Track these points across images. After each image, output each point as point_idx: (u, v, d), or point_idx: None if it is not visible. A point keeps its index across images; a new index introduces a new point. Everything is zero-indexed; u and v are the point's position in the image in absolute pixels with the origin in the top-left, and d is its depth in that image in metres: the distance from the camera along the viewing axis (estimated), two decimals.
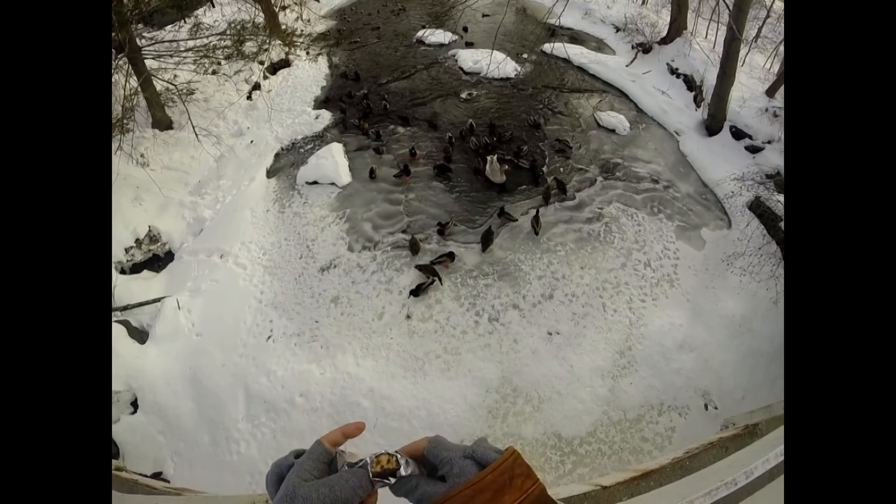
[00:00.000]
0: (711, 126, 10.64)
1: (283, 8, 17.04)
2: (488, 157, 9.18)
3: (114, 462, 5.97)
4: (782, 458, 2.97)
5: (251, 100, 12.34)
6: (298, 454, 0.75)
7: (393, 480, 0.71)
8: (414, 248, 7.74)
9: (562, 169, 9.56)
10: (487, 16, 15.71)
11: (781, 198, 8.07)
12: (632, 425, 6.04)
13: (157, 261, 8.80)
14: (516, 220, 8.26)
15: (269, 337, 7.08)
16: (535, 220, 8.04)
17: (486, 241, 7.75)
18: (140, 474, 4.36)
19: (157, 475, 5.98)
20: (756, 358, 6.61)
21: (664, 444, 5.84)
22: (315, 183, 9.43)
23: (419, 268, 7.43)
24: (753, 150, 9.86)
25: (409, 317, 7.03)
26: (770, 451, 3.10)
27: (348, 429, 0.78)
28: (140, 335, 7.33)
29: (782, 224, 7.79)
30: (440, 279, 7.27)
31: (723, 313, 7.12)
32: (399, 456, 0.73)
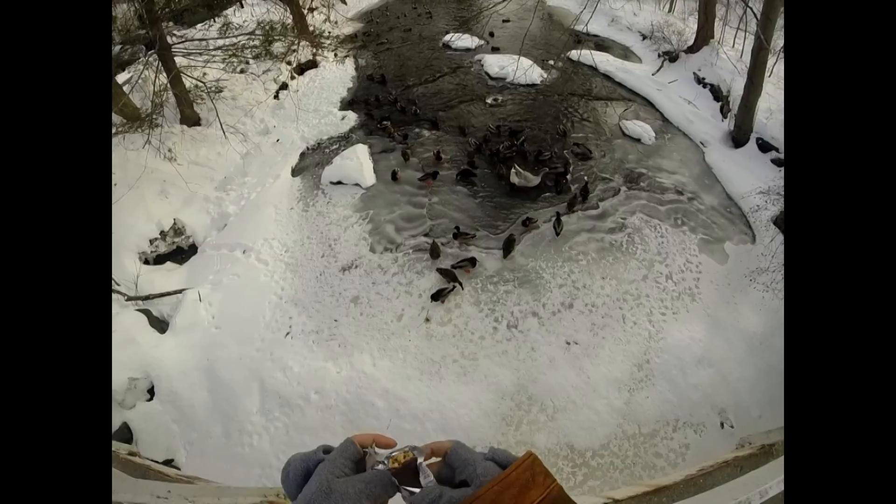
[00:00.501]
0: (738, 137, 10.47)
1: (312, 10, 17.31)
2: (512, 170, 9.15)
3: (127, 447, 6.12)
4: None
5: (278, 99, 12.54)
6: (327, 450, 0.77)
7: (416, 491, 0.71)
8: (434, 252, 7.75)
9: (586, 178, 9.47)
10: (508, 21, 15.68)
11: None
12: (646, 440, 5.94)
13: (181, 253, 8.97)
14: (535, 221, 8.27)
15: (288, 333, 7.15)
16: (557, 221, 8.06)
17: (508, 247, 7.75)
18: (152, 460, 4.45)
19: (168, 462, 6.04)
20: (775, 375, 6.45)
21: (678, 461, 5.73)
22: (339, 183, 9.53)
23: (440, 271, 7.45)
24: (780, 163, 9.65)
25: (427, 320, 7.04)
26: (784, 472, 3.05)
27: (380, 438, 0.81)
28: (160, 325, 7.49)
29: None
30: (461, 284, 7.28)
31: (743, 329, 6.98)
32: (412, 448, 0.75)
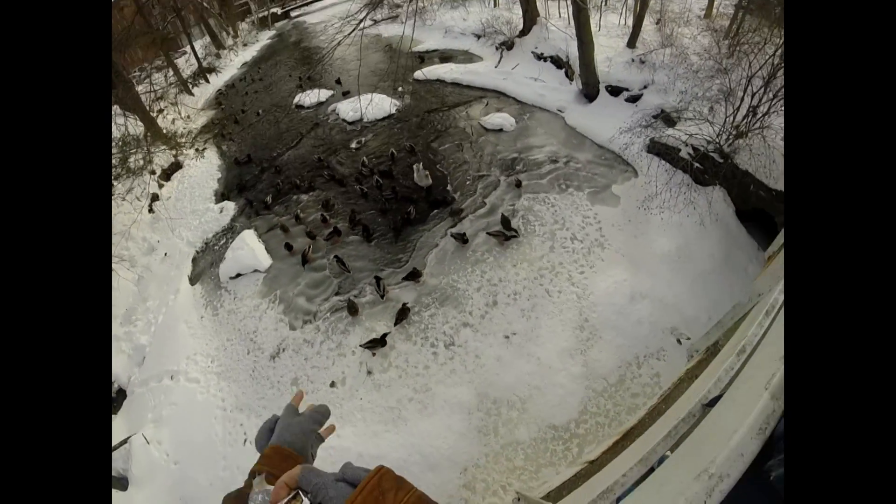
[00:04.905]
0: (588, 93, 11.30)
1: (160, 111, 16.85)
2: (414, 166, 9.70)
3: None
4: (732, 371, 3.08)
5: (153, 212, 12.00)
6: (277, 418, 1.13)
7: None
8: (352, 309, 7.64)
9: (468, 182, 9.83)
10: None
11: (672, 132, 8.59)
12: (618, 388, 6.11)
13: (111, 402, 8.27)
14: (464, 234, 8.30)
15: (245, 440, 6.80)
16: (460, 235, 8.21)
17: (401, 315, 7.41)
18: None
19: None
20: (704, 277, 6.93)
21: (655, 392, 5.89)
22: (238, 275, 9.27)
23: (364, 347, 7.13)
24: (633, 99, 10.53)
25: (370, 372, 6.92)
26: (720, 368, 3.18)
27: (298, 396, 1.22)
28: (120, 483, 6.91)
29: (681, 153, 8.30)
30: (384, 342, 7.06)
31: (658, 253, 7.41)
32: (301, 496, 0.78)
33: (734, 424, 1.39)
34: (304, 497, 0.77)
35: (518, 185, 9.16)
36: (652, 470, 2.51)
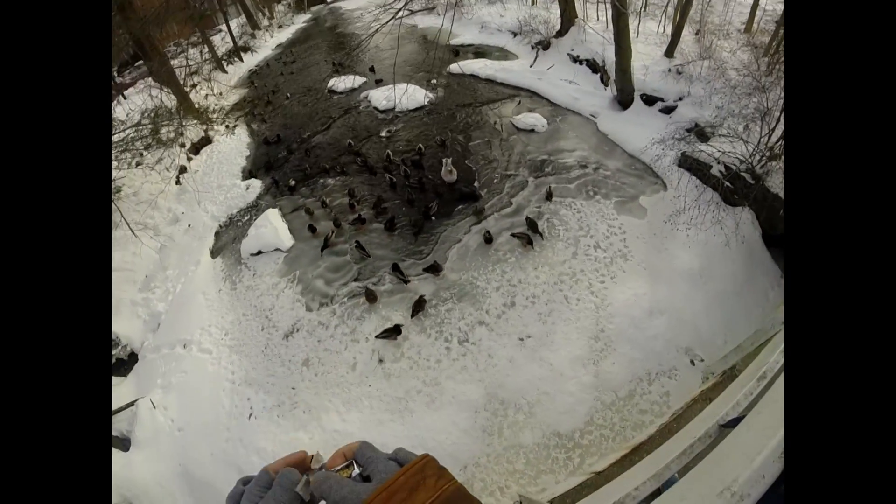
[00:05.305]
0: (622, 100, 11.15)
1: (193, 86, 17.12)
2: (443, 160, 9.63)
3: None
4: (752, 396, 3.06)
5: (180, 184, 12.23)
6: (246, 481, 0.82)
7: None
8: (370, 297, 7.68)
9: (496, 180, 9.78)
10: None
11: (705, 147, 8.44)
12: (626, 402, 6.05)
13: (122, 365, 8.51)
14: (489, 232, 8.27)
15: (251, 415, 6.90)
16: (487, 233, 8.21)
17: (417, 307, 7.43)
18: None
19: None
20: (724, 299, 6.81)
21: (663, 411, 5.85)
22: (259, 253, 9.37)
23: (378, 337, 7.19)
24: (667, 110, 10.38)
25: (381, 361, 6.95)
26: (739, 392, 3.16)
27: (290, 459, 0.87)
28: (122, 443, 7.09)
29: (713, 170, 8.15)
30: (399, 331, 7.11)
31: (680, 269, 7.31)
32: (354, 466, 0.82)
33: (757, 447, 1.46)
34: (356, 467, 0.82)
35: (549, 197, 8.91)
36: (659, 492, 2.50)
